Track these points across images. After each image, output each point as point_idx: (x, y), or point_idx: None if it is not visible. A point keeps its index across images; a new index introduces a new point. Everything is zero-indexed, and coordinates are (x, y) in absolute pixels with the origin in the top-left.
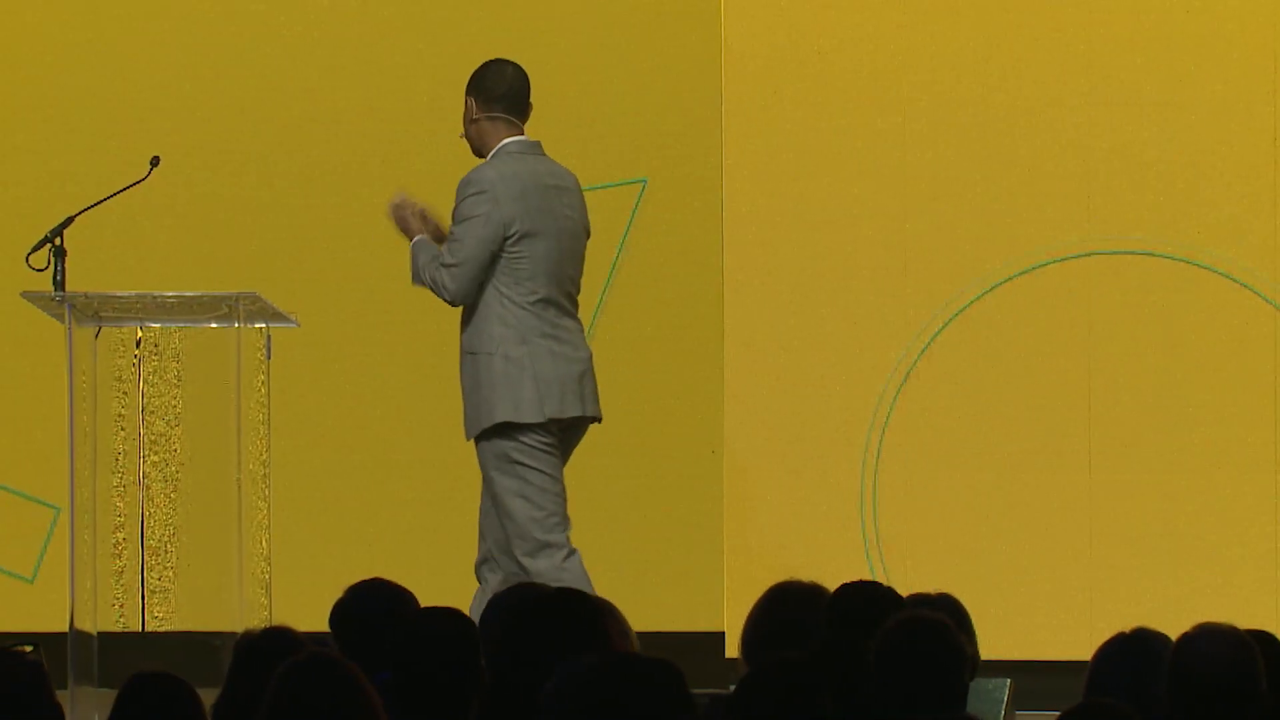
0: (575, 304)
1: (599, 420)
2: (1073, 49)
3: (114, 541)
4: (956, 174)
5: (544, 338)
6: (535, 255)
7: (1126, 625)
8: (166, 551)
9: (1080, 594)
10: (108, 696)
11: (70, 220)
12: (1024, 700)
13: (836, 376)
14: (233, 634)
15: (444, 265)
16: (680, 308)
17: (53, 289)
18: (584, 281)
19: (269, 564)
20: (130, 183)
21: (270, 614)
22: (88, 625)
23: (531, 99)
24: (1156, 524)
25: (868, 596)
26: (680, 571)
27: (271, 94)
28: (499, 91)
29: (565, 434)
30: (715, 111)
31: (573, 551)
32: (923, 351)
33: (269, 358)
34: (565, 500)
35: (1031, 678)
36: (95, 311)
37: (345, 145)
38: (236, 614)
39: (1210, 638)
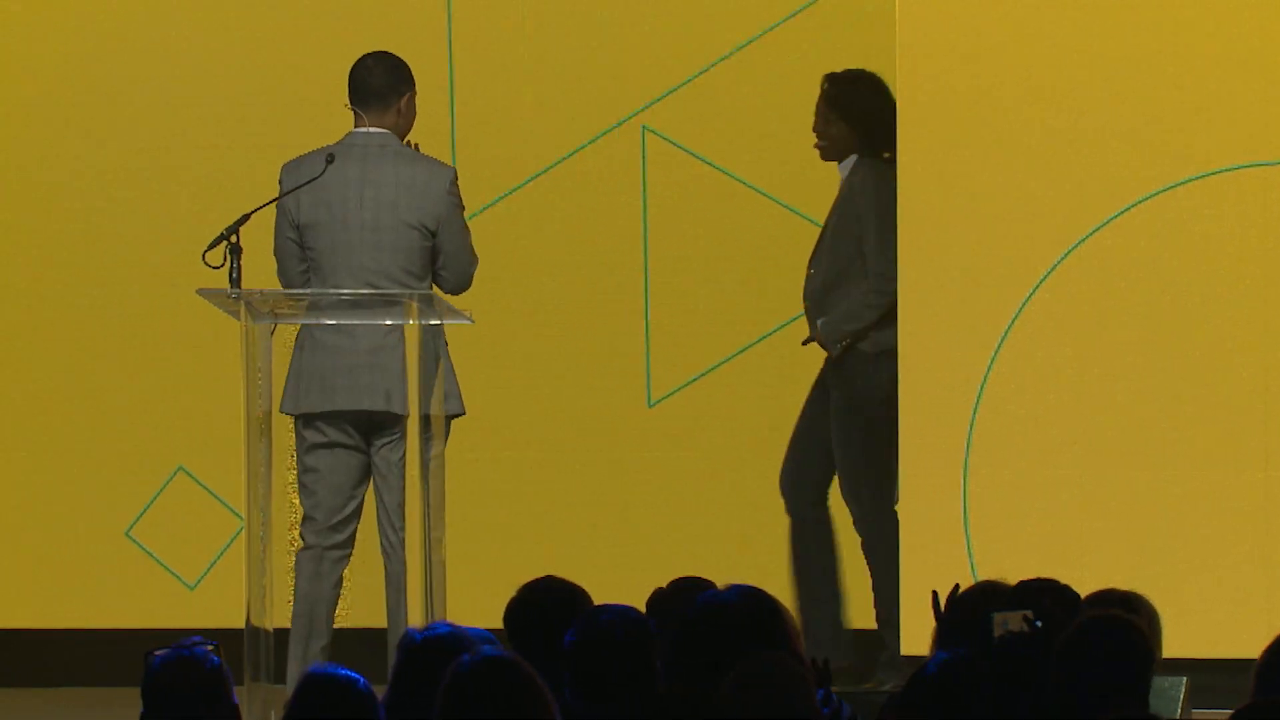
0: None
1: (386, 410)
2: (1248, 44)
3: (289, 539)
4: (1129, 172)
5: (320, 330)
6: (320, 247)
7: None
8: None
9: (1258, 592)
10: (281, 693)
11: (246, 218)
12: (1201, 698)
13: (1010, 375)
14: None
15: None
16: None
17: (228, 286)
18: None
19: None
20: (305, 180)
21: (444, 611)
22: (263, 621)
23: (377, 87)
24: None
25: (1047, 594)
26: (857, 569)
27: (443, 93)
28: (350, 86)
29: (368, 429)
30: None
31: (324, 553)
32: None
33: (444, 354)
34: (341, 495)
35: (1208, 675)
36: (270, 309)
37: (519, 143)
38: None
39: None
